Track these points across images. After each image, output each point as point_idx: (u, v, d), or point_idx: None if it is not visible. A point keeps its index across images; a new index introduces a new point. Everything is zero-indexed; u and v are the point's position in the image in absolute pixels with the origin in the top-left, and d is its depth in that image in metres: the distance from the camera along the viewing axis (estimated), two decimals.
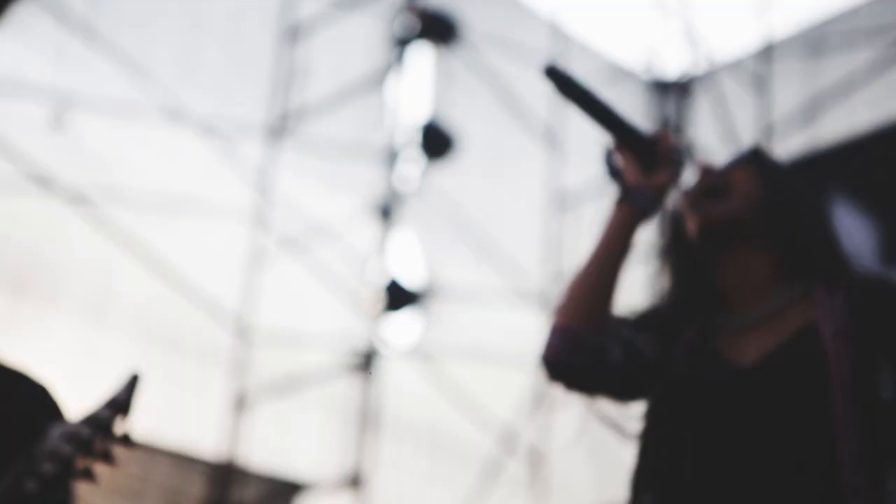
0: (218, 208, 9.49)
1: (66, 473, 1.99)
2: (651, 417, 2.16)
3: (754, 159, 2.37)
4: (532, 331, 10.90)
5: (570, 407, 9.58)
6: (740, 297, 2.27)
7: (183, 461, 8.77)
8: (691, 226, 2.32)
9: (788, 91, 11.20)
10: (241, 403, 9.23)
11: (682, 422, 2.11)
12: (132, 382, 2.09)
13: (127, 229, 8.95)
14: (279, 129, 9.97)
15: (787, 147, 10.54)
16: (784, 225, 2.27)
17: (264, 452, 9.33)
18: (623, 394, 2.25)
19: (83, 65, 9.01)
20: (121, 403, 2.09)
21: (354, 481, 8.75)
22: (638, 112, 12.13)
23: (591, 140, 10.61)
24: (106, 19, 9.29)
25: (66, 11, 9.00)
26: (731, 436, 2.10)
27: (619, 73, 12.26)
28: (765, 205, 2.29)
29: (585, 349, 2.21)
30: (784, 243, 2.27)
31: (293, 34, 10.24)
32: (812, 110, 10.88)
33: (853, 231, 7.61)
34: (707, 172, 2.34)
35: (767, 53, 11.33)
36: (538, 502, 10.36)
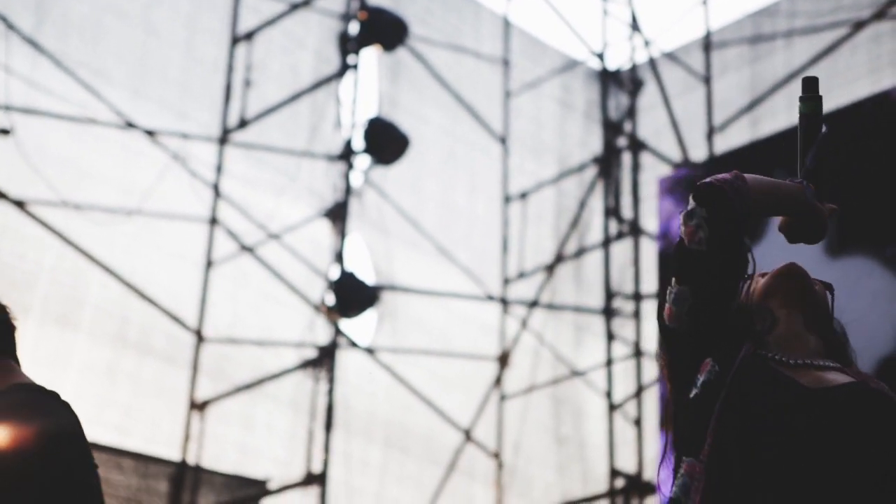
0: (174, 213, 9.54)
1: None
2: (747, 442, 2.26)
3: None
4: (488, 325, 11.07)
5: (529, 400, 9.70)
6: (790, 345, 2.48)
7: (146, 463, 8.82)
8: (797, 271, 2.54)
9: (731, 80, 11.37)
10: (202, 404, 9.30)
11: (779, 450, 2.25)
12: None
13: (87, 236, 8.99)
14: (231, 133, 10.03)
15: (730, 136, 10.71)
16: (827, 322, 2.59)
17: (227, 452, 9.39)
18: (708, 293, 2.34)
19: (35, 74, 9.03)
20: None
21: (315, 478, 8.82)
22: (589, 102, 12.25)
23: (543, 137, 10.77)
24: (57, 28, 9.32)
25: (15, 18, 9.02)
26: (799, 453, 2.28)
27: (570, 65, 12.38)
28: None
29: (741, 229, 2.38)
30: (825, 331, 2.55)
31: (243, 41, 10.30)
32: (754, 99, 11.07)
33: None
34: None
35: (709, 45, 11.49)
36: (499, 494, 10.48)
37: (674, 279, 2.35)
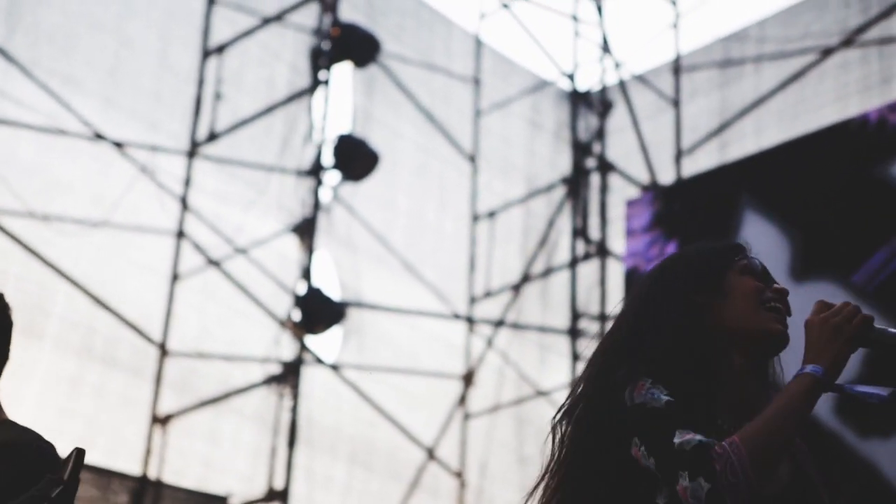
0: (142, 226, 9.51)
1: None
2: None
3: None
4: (454, 344, 11.07)
5: (493, 419, 9.71)
6: (737, 402, 2.37)
7: (107, 476, 8.77)
8: (774, 327, 2.43)
9: (700, 104, 11.44)
10: (165, 418, 9.25)
11: None
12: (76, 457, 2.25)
13: (54, 246, 8.94)
14: (201, 146, 10.01)
15: (699, 159, 10.77)
16: None
17: (190, 466, 9.35)
18: None
19: (5, 83, 8.99)
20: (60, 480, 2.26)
21: (277, 494, 8.79)
22: (558, 122, 12.30)
23: (511, 156, 10.79)
24: (29, 37, 9.28)
25: None
26: None
27: (540, 85, 12.43)
28: None
29: None
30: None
31: (214, 53, 10.29)
32: (723, 123, 11.14)
33: (765, 243, 7.81)
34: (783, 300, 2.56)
35: (678, 68, 11.56)
36: None
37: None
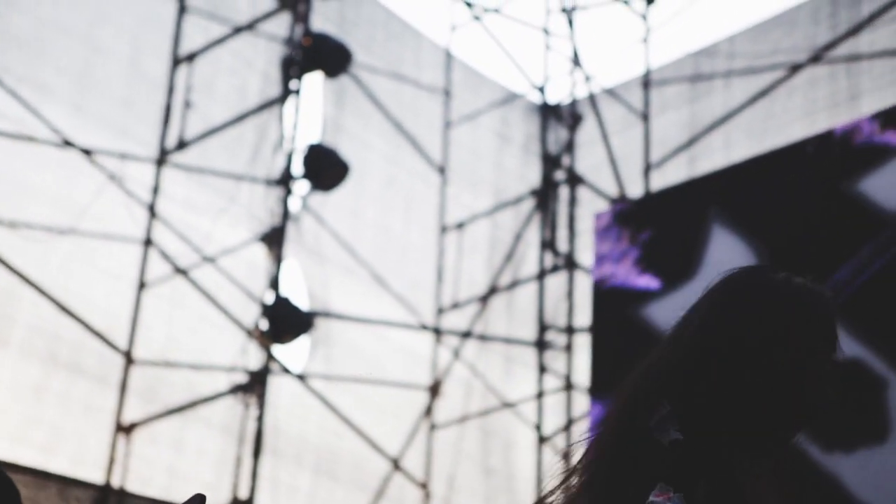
0: (109, 233, 9.46)
1: None
2: None
3: None
4: (421, 354, 11.06)
5: (459, 430, 9.71)
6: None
7: (70, 485, 8.71)
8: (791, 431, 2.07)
9: (670, 118, 11.49)
10: (129, 427, 9.20)
11: None
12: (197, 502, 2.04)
13: (20, 253, 8.89)
14: (170, 154, 9.97)
15: (667, 173, 10.82)
16: None
17: (154, 475, 9.30)
18: None
19: None
20: None
21: (243, 503, 8.76)
22: (528, 135, 12.33)
23: (479, 169, 10.82)
24: None
25: None
26: None
27: (510, 97, 12.46)
28: None
29: None
30: None
31: (185, 62, 10.26)
32: (692, 137, 11.19)
33: (733, 257, 7.84)
34: None
35: (648, 82, 11.61)
36: None
37: None
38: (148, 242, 9.65)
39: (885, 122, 7.63)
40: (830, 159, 7.80)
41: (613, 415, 2.05)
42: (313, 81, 10.54)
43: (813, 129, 9.50)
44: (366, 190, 11.26)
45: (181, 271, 9.68)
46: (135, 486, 9.05)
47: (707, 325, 2.02)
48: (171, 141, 10.00)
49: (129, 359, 9.28)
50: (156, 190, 9.79)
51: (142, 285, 9.55)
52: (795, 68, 10.71)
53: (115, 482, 8.93)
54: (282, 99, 9.95)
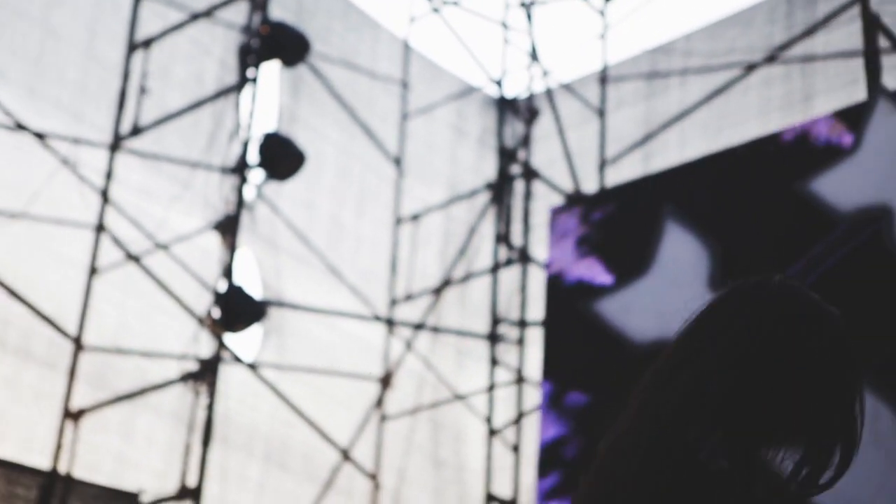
0: (61, 218, 9.39)
1: None
2: None
3: None
4: (374, 346, 11.05)
5: (409, 422, 9.71)
6: None
7: (16, 470, 8.64)
8: None
9: (626, 114, 11.54)
10: (77, 413, 9.14)
11: None
12: None
13: None
14: (124, 140, 9.91)
15: (622, 169, 10.86)
16: None
17: (102, 462, 9.24)
18: None
19: None
20: None
21: (190, 492, 8.72)
22: (484, 128, 12.34)
23: (434, 162, 10.80)
24: None
25: None
26: None
27: (466, 90, 12.46)
28: None
29: None
30: None
31: (141, 47, 10.18)
32: (647, 134, 11.24)
33: (686, 253, 7.89)
34: None
35: (605, 78, 11.65)
36: None
37: None
38: (100, 228, 9.58)
39: (838, 123, 7.69)
40: (784, 159, 7.86)
41: (641, 442, 1.88)
42: (270, 70, 10.50)
43: (767, 129, 9.57)
44: (320, 180, 11.23)
45: (133, 258, 9.62)
46: (82, 473, 8.99)
47: (754, 345, 1.86)
48: (126, 127, 9.93)
49: (78, 345, 9.21)
50: (109, 175, 9.72)
51: (93, 271, 9.48)
52: (751, 67, 10.78)
53: (63, 468, 8.86)
54: (238, 87, 9.90)
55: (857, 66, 9.13)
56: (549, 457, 8.22)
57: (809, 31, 10.54)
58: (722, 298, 1.95)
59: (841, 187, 7.49)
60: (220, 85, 10.24)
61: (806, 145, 7.76)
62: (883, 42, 8.65)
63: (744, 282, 2.00)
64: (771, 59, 10.73)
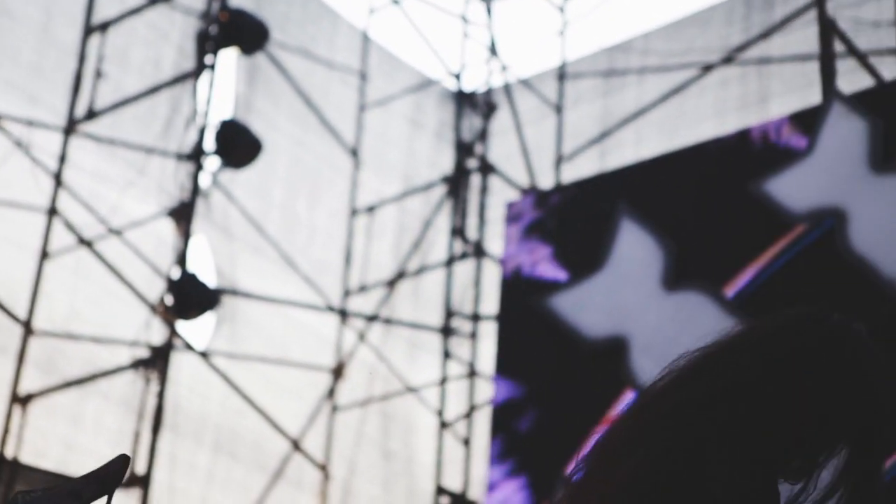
0: (14, 202, 9.31)
1: None
2: None
3: None
4: (326, 336, 11.03)
5: (360, 413, 9.69)
6: None
7: None
8: None
9: (583, 111, 11.58)
10: (25, 398, 9.07)
11: None
12: (121, 463, 1.92)
13: None
14: (79, 124, 9.83)
15: (578, 166, 10.90)
16: None
17: (50, 448, 9.18)
18: None
19: None
20: (105, 481, 1.92)
21: (138, 479, 8.67)
22: (441, 121, 12.34)
23: (390, 154, 10.77)
24: None
25: None
26: None
27: (424, 83, 12.45)
28: None
29: None
30: None
31: (98, 30, 10.10)
32: (604, 131, 11.29)
33: (640, 251, 7.94)
34: None
35: (563, 75, 11.69)
36: (324, 503, 10.45)
37: None
38: (53, 212, 9.50)
39: (793, 125, 7.76)
40: (739, 160, 7.92)
41: (662, 466, 1.82)
42: (228, 57, 10.45)
43: (723, 129, 9.64)
44: (275, 170, 11.20)
45: (86, 242, 9.55)
46: (29, 458, 8.93)
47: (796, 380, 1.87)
48: (81, 110, 9.85)
49: (28, 329, 9.13)
50: (63, 159, 9.64)
51: (45, 255, 9.41)
52: (707, 68, 10.85)
53: (10, 453, 8.79)
54: (196, 73, 9.85)
55: (813, 69, 9.21)
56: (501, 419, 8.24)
57: (766, 34, 10.62)
58: (778, 328, 1.92)
59: (795, 189, 7.56)
60: (177, 71, 10.18)
61: (761, 147, 7.82)
62: (838, 46, 8.73)
63: (800, 314, 1.95)
64: (728, 60, 10.80)
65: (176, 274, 9.21)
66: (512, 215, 8.90)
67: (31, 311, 9.18)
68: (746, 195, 7.64)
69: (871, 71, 8.82)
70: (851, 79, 8.72)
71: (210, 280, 9.89)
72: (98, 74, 9.96)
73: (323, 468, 10.57)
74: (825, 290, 7.12)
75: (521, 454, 8.06)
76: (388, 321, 11.39)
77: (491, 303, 10.52)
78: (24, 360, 9.11)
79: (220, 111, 10.30)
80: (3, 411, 8.96)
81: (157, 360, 9.03)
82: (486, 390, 10.38)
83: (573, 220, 8.62)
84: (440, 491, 10.28)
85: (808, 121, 7.67)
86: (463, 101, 12.05)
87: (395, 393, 11.20)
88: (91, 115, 9.87)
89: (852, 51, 8.89)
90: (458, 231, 11.20)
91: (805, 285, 7.17)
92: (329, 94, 11.73)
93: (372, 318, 11.23)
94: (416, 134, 12.38)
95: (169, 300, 9.16)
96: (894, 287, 6.92)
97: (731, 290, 7.49)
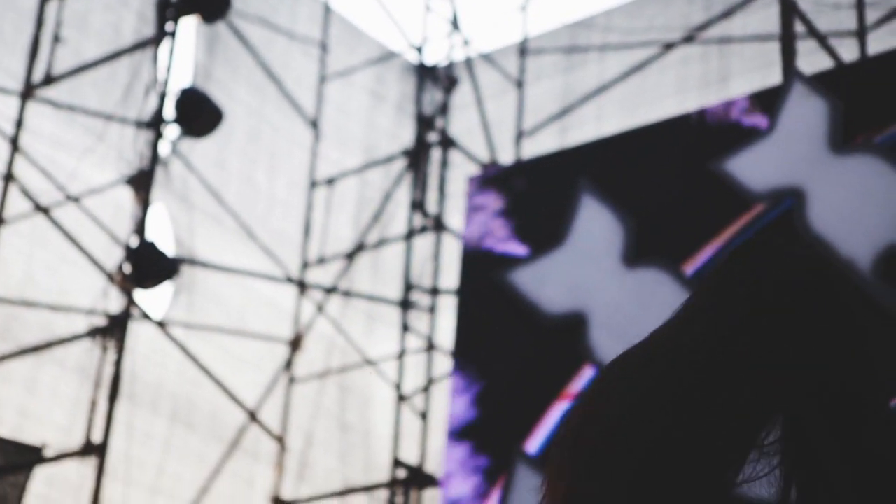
0: None
1: None
2: None
3: None
4: (285, 308, 11.01)
5: (318, 385, 9.67)
6: None
7: None
8: None
9: (544, 87, 11.59)
10: None
11: None
12: None
13: None
14: (37, 89, 9.73)
15: (539, 141, 10.92)
16: None
17: (5, 415, 9.12)
18: None
19: None
20: None
21: (95, 448, 8.63)
22: (403, 94, 12.31)
23: (350, 126, 10.74)
24: None
25: None
26: None
27: (386, 56, 12.42)
28: None
29: None
30: None
31: None
32: (565, 107, 11.31)
33: (601, 227, 7.97)
34: None
35: (525, 50, 11.69)
36: (279, 477, 10.45)
37: None
38: (9, 177, 9.41)
39: (753, 104, 7.81)
40: (699, 138, 7.96)
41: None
42: (189, 25, 10.37)
43: (684, 107, 9.68)
44: (235, 140, 11.14)
45: (43, 209, 9.47)
46: None
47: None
48: (39, 75, 9.75)
49: None
50: (20, 124, 9.55)
51: (0, 221, 9.32)
52: (669, 46, 10.88)
53: None
54: (157, 40, 9.77)
55: (774, 49, 9.26)
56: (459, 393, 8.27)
57: (727, 13, 10.67)
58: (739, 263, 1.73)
59: (755, 168, 7.61)
60: (137, 37, 10.09)
61: (722, 125, 7.86)
62: (799, 27, 8.79)
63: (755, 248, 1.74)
64: (689, 38, 10.84)
65: (134, 242, 9.14)
66: (473, 190, 8.90)
67: None
68: (707, 173, 7.68)
69: (831, 52, 8.89)
70: (811, 60, 8.78)
71: (168, 249, 9.83)
72: (56, 39, 9.87)
73: (279, 440, 10.57)
74: None
75: (478, 428, 8.09)
76: (346, 293, 11.38)
77: (450, 277, 10.54)
78: None
79: (180, 79, 10.23)
80: None
81: (114, 329, 8.98)
82: (444, 364, 10.40)
83: (534, 196, 8.64)
84: (397, 464, 10.30)
85: (769, 100, 7.72)
86: (424, 74, 12.02)
87: (352, 365, 11.20)
88: (49, 80, 9.77)
89: (812, 32, 8.95)
90: (417, 205, 11.20)
91: None
92: (290, 65, 11.67)
93: (330, 291, 11.22)
94: (378, 106, 12.35)
95: (127, 269, 9.10)
96: (851, 267, 6.99)
97: (690, 268, 7.54)
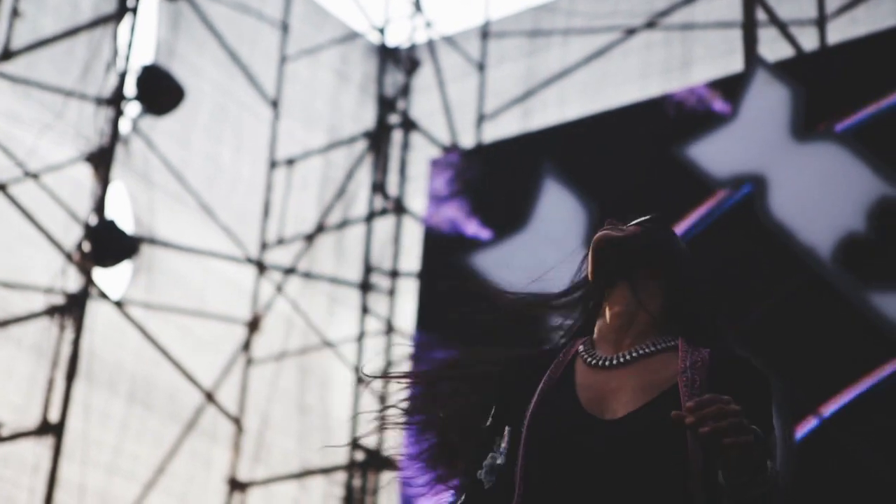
0: None
1: None
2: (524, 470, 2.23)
3: (653, 219, 2.49)
4: (244, 288, 10.96)
5: (276, 367, 9.60)
6: (613, 335, 2.37)
7: None
8: (590, 256, 2.46)
9: (506, 70, 11.58)
10: None
11: (555, 476, 2.20)
12: None
13: None
14: None
15: (500, 125, 10.91)
16: (669, 274, 2.44)
17: None
18: None
19: None
20: None
21: (52, 427, 8.57)
22: (365, 76, 12.26)
23: (316, 105, 10.68)
24: None
25: None
26: (601, 488, 2.18)
27: (350, 36, 12.36)
28: (654, 246, 2.46)
29: None
30: (667, 291, 2.40)
31: None
32: (527, 91, 11.30)
33: (563, 211, 7.97)
34: (611, 221, 2.46)
35: (487, 33, 11.67)
36: (236, 458, 10.42)
37: None
38: None
39: (715, 90, 7.83)
40: (662, 123, 7.98)
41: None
42: (150, 1, 10.28)
43: (646, 93, 9.70)
44: (197, 118, 11.05)
45: (0, 186, 9.37)
46: None
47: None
48: None
49: None
50: None
51: None
52: (631, 31, 10.89)
53: None
54: (118, 16, 9.67)
55: (736, 36, 9.30)
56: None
57: (690, 0, 10.69)
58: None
59: (717, 154, 7.64)
60: (97, 13, 9.99)
61: (684, 111, 7.88)
62: (761, 15, 8.83)
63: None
64: (651, 24, 10.86)
65: (93, 221, 9.07)
66: (434, 172, 8.88)
67: None
68: (669, 159, 7.70)
69: (792, 41, 8.93)
70: (773, 47, 8.83)
71: (128, 228, 9.75)
72: (14, 13, 9.76)
73: (237, 421, 10.53)
74: (744, 256, 7.21)
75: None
76: (306, 275, 11.34)
77: (410, 260, 10.52)
78: None
79: (141, 56, 10.15)
80: None
81: (72, 308, 8.91)
82: (403, 347, 10.38)
83: (496, 180, 8.63)
84: (355, 446, 10.28)
85: (732, 87, 7.75)
86: (386, 55, 11.98)
87: (312, 347, 11.17)
88: (6, 55, 9.66)
89: (774, 20, 8.99)
90: (378, 187, 11.17)
91: (725, 250, 7.25)
92: (255, 43, 11.60)
93: (290, 271, 11.17)
94: (342, 86, 12.29)
95: (86, 247, 9.03)
96: (811, 254, 7.03)
97: None
